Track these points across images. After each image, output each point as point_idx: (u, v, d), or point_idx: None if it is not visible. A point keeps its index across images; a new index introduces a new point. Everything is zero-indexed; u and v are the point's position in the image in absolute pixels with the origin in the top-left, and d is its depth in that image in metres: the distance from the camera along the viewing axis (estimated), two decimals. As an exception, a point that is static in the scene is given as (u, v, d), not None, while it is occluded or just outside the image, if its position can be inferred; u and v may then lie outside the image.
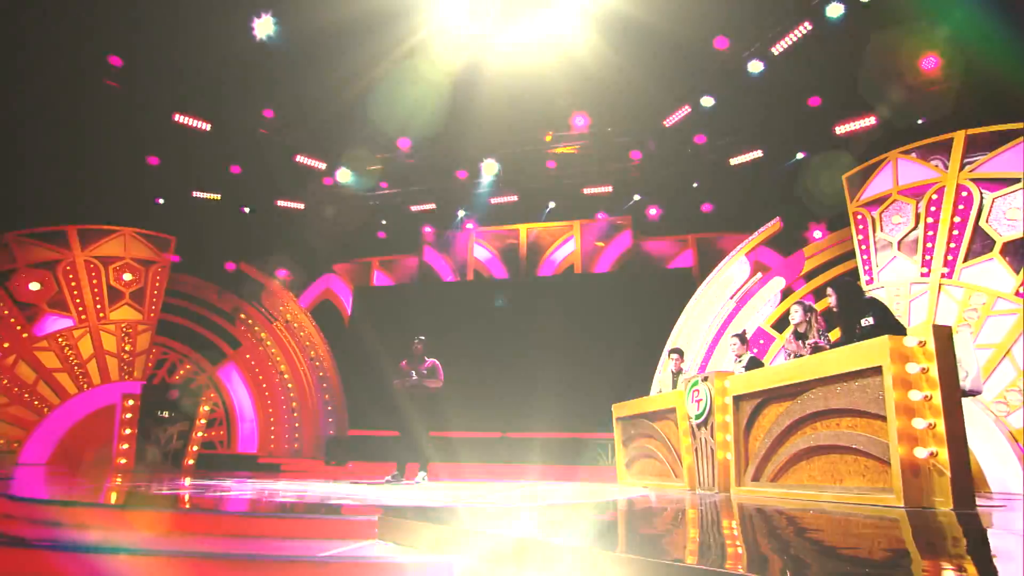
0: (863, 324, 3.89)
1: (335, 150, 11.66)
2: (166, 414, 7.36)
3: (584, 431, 10.89)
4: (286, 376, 10.56)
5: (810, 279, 8.39)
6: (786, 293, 8.60)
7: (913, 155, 6.42)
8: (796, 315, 5.16)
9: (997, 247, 5.46)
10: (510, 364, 12.30)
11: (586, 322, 12.40)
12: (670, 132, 10.96)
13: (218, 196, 12.20)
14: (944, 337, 3.24)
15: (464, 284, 13.81)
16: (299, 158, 11.26)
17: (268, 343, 10.75)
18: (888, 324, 3.82)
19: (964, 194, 5.72)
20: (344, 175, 11.67)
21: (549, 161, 12.56)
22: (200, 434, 7.63)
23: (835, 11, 6.80)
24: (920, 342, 3.29)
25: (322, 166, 11.60)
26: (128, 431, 7.20)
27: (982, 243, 5.55)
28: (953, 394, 3.17)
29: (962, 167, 5.80)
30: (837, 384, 3.81)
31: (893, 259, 6.50)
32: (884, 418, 3.42)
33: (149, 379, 10.30)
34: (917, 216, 6.20)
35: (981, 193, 5.64)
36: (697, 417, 5.40)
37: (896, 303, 6.31)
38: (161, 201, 11.98)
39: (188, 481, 5.72)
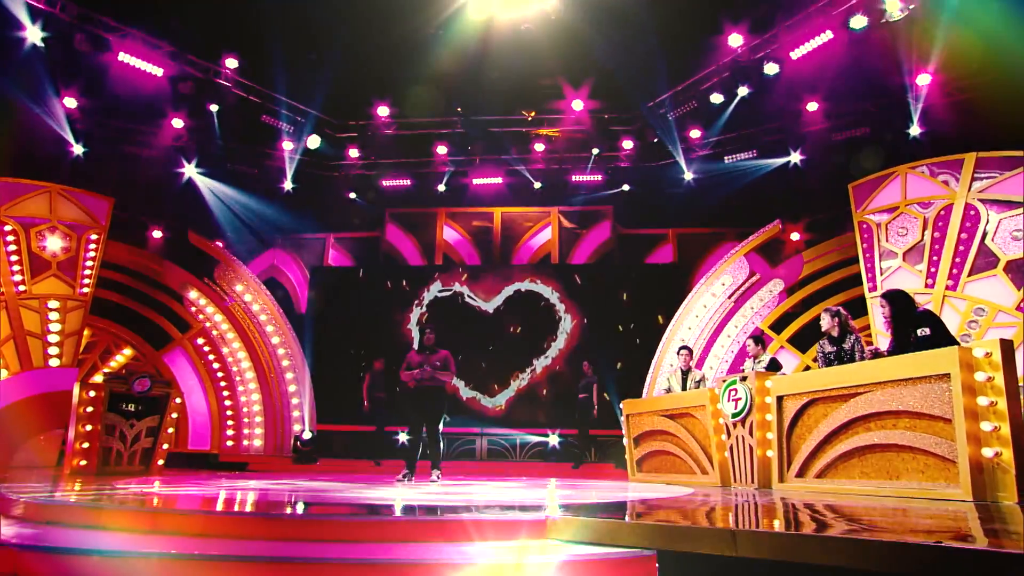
0: (919, 334, 4.58)
1: (305, 111, 11.26)
2: (131, 407, 6.98)
3: (565, 428, 11.44)
4: (246, 364, 10.20)
5: (808, 283, 9.33)
6: (785, 295, 9.51)
7: (921, 171, 7.38)
8: (825, 322, 5.88)
9: (1001, 264, 6.50)
10: (485, 358, 12.58)
11: (565, 315, 12.91)
12: (665, 122, 11.58)
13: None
14: (1008, 350, 3.95)
15: (432, 268, 13.83)
16: (264, 118, 10.78)
17: (224, 326, 10.32)
18: (943, 335, 4.53)
19: (972, 212, 6.73)
20: (314, 141, 11.30)
21: (536, 141, 12.82)
22: (171, 430, 7.31)
23: (859, 23, 7.60)
24: (987, 353, 3.98)
25: (288, 129, 11.17)
26: (89, 427, 6.76)
27: (986, 259, 6.57)
28: (1016, 400, 3.88)
29: (970, 187, 6.80)
30: (897, 388, 4.48)
31: (898, 269, 7.46)
32: (947, 420, 4.11)
33: (79, 365, 9.62)
34: (924, 230, 7.16)
35: (988, 213, 6.65)
36: (734, 415, 6.01)
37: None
38: (79, 151, 10.99)
39: (157, 484, 5.59)
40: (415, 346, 12.58)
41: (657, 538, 2.60)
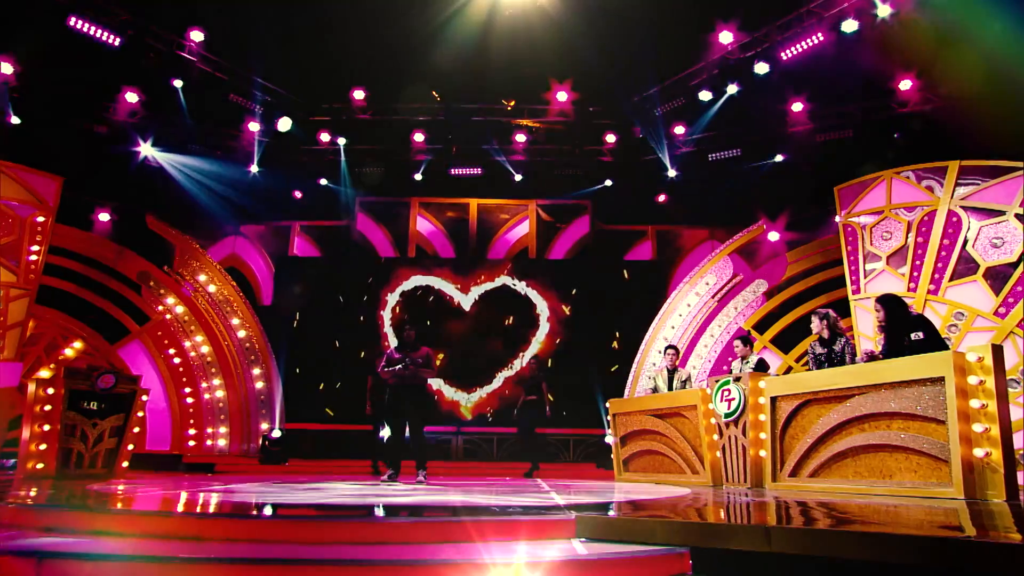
0: (913, 338, 4.91)
1: (276, 92, 11.03)
2: (94, 405, 6.78)
3: (544, 427, 11.62)
4: (210, 359, 9.99)
5: (792, 284, 9.75)
6: (768, 296, 9.91)
7: (906, 176, 7.83)
8: (815, 325, 6.22)
9: (980, 271, 6.98)
10: (461, 354, 12.62)
11: (543, 311, 13.08)
12: (650, 117, 11.84)
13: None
14: (999, 355, 4.30)
15: (405, 260, 13.77)
16: (233, 97, 10.51)
17: (186, 319, 10.06)
18: (936, 340, 4.87)
19: (954, 219, 7.20)
20: (285, 123, 11.09)
21: (517, 133, 12.88)
22: (137, 430, 7.14)
23: (850, 26, 7.99)
24: (979, 358, 4.32)
25: (257, 109, 10.93)
26: (47, 427, 6.54)
27: (966, 265, 7.05)
28: (1004, 403, 4.23)
29: (953, 194, 7.27)
30: (892, 390, 4.80)
31: (881, 272, 7.90)
32: (940, 421, 4.44)
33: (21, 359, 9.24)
34: (907, 234, 7.61)
35: (969, 220, 7.13)
36: (727, 415, 6.29)
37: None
38: (17, 121, 10.47)
39: (121, 487, 5.50)
40: (389, 341, 12.63)
41: (691, 535, 2.76)
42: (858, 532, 2.45)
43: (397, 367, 6.89)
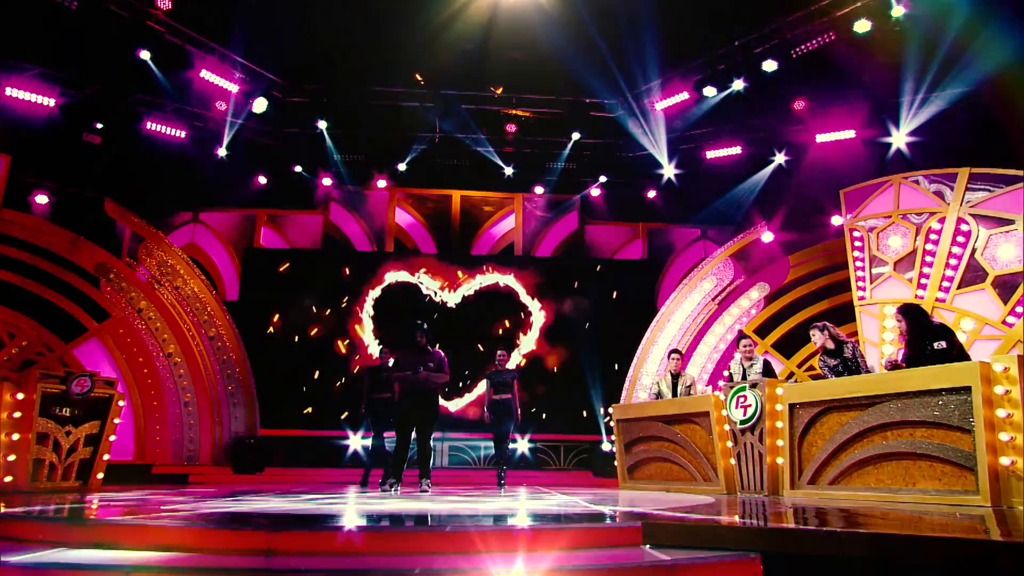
0: (935, 347, 5.33)
1: (252, 69, 10.91)
2: (67, 411, 6.69)
3: (536, 433, 11.90)
4: (177, 360, 9.85)
5: (794, 288, 10.23)
6: (769, 299, 10.37)
7: (915, 181, 8.35)
8: (817, 338, 6.60)
9: (989, 279, 7.53)
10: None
11: (533, 311, 13.30)
12: (648, 111, 12.18)
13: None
14: (1024, 365, 4.73)
15: (383, 254, 13.80)
16: (203, 73, 10.34)
17: (151, 315, 9.89)
18: (958, 349, 5.30)
19: (964, 227, 7.73)
20: (260, 104, 10.98)
21: (506, 123, 13.05)
22: (112, 438, 7.05)
23: (863, 27, 8.46)
24: (1005, 368, 4.74)
25: (232, 88, 10.77)
26: (16, 436, 6.41)
27: (974, 273, 7.59)
28: (1030, 412, 4.66)
29: (963, 201, 7.80)
30: (915, 398, 5.21)
31: (888, 278, 8.41)
32: (965, 430, 4.85)
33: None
34: (915, 240, 8.13)
35: (979, 228, 7.68)
36: (743, 422, 6.64)
37: (887, 320, 8.23)
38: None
39: (89, 499, 5.50)
40: (366, 339, 12.65)
41: (763, 540, 3.03)
42: (933, 537, 2.75)
43: (408, 372, 6.98)
